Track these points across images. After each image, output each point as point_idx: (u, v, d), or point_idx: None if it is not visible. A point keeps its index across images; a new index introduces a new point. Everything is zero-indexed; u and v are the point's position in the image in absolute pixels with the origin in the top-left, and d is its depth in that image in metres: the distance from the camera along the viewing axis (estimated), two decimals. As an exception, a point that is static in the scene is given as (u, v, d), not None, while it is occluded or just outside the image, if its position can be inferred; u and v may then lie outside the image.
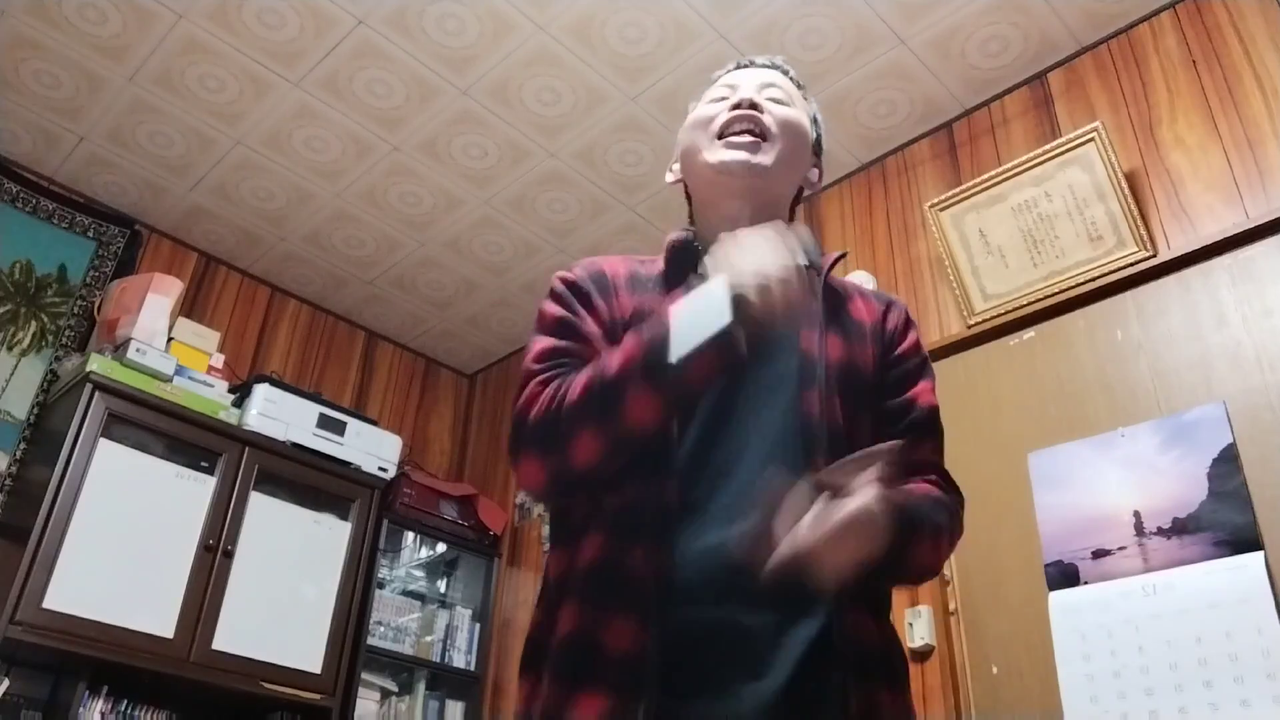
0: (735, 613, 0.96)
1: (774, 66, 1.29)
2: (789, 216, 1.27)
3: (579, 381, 1.01)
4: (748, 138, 1.19)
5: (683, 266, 1.19)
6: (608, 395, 0.98)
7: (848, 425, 1.08)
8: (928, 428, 1.17)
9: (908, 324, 1.23)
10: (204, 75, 2.95)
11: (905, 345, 1.20)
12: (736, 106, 1.20)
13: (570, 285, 1.18)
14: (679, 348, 0.95)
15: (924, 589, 2.35)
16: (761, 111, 1.20)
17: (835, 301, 1.18)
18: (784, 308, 0.96)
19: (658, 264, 1.21)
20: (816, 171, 1.30)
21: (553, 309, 1.16)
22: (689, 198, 1.29)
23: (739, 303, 0.94)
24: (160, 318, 3.08)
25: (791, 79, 1.29)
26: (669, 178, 1.31)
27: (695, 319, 0.96)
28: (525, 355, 1.13)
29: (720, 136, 1.19)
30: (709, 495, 1.02)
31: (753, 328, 0.95)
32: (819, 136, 1.31)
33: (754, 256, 0.97)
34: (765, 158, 1.18)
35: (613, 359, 1.01)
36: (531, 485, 1.07)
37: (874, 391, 1.14)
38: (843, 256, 1.28)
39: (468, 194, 3.36)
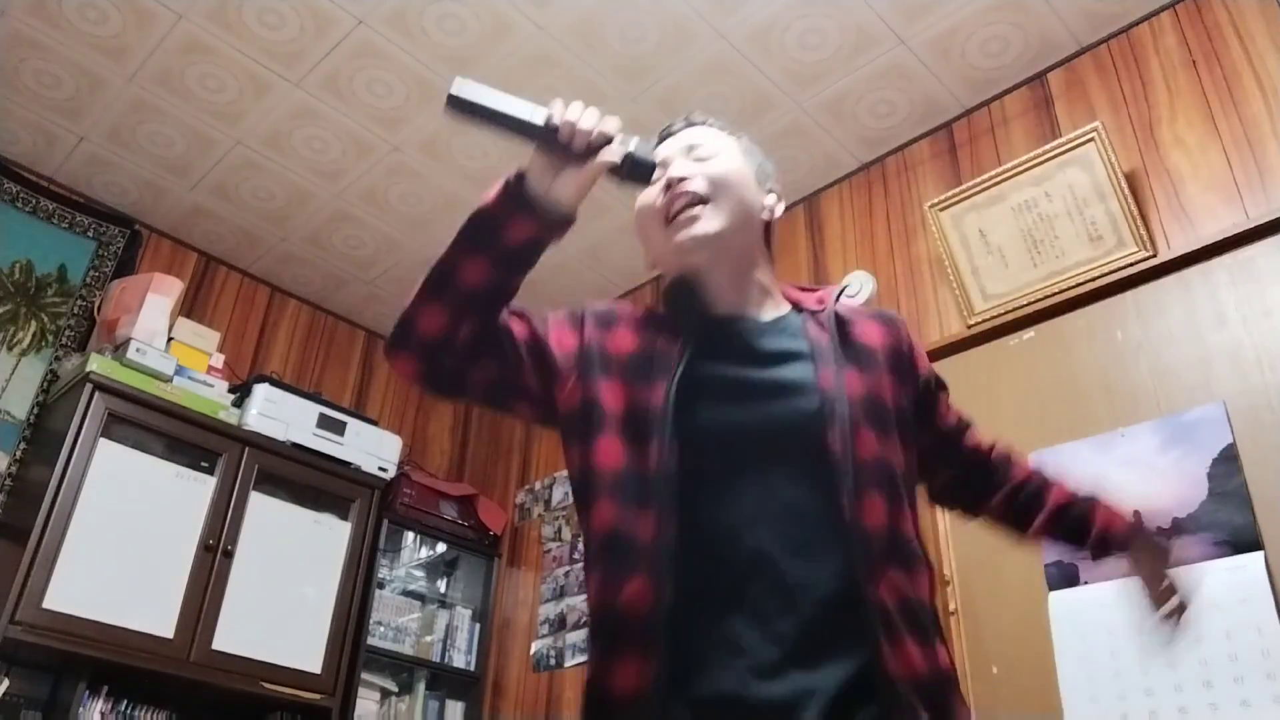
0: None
1: (692, 124, 1.30)
2: (767, 249, 1.29)
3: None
4: (689, 210, 1.19)
5: (686, 306, 1.21)
6: (442, 265, 1.09)
7: (881, 453, 1.08)
8: (972, 427, 1.37)
9: (914, 342, 1.27)
10: (204, 75, 2.95)
11: (923, 368, 1.27)
12: (667, 187, 1.20)
13: (573, 310, 1.23)
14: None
15: (924, 589, 2.35)
16: (688, 178, 1.21)
17: (844, 331, 1.18)
18: (581, 137, 1.06)
19: None
20: (773, 197, 1.30)
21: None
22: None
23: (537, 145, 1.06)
24: (160, 318, 3.08)
25: (714, 126, 1.30)
26: (651, 270, 1.37)
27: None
28: None
29: (669, 221, 1.20)
30: (715, 574, 1.01)
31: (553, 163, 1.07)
32: (762, 165, 1.31)
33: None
34: (712, 223, 1.18)
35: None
36: (403, 373, 1.14)
37: (900, 417, 1.15)
38: (843, 289, 1.29)
39: (468, 194, 3.36)
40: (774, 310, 1.23)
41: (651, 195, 1.22)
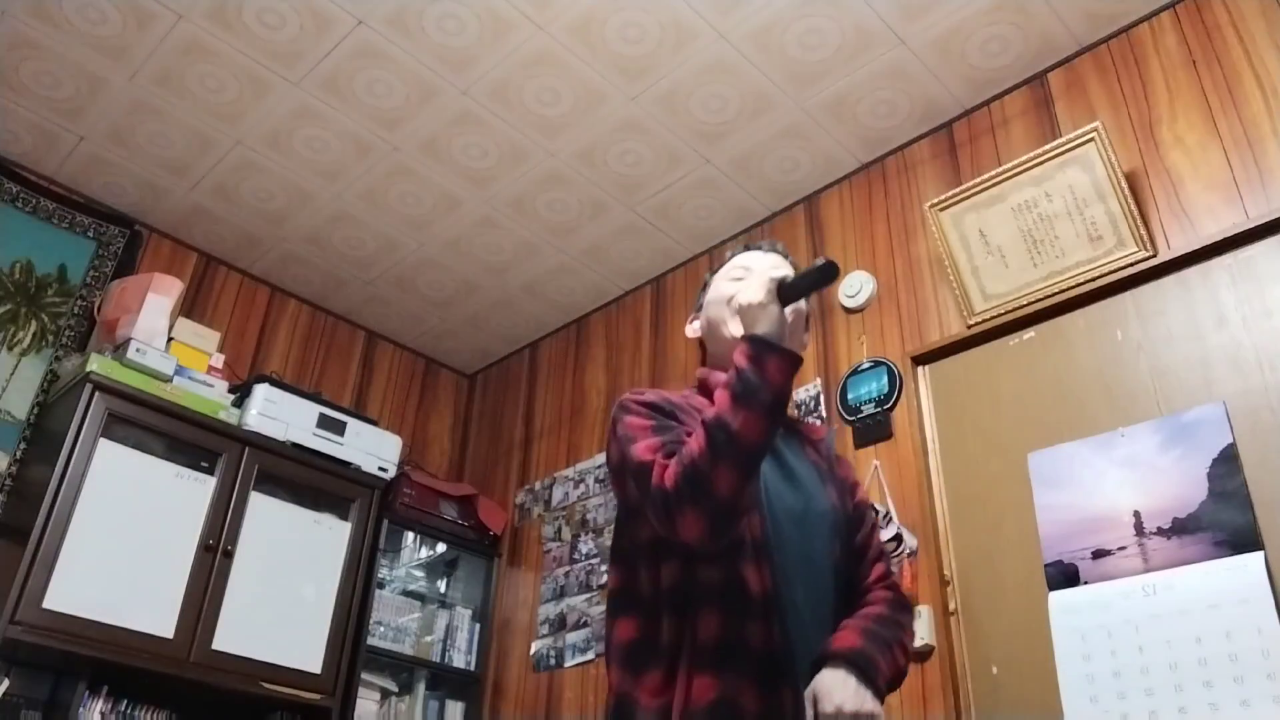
0: None
1: (775, 251, 1.56)
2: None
3: (695, 437, 1.22)
4: None
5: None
6: (719, 435, 1.20)
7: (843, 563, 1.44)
8: (885, 555, 1.52)
9: (847, 464, 1.61)
10: (204, 75, 2.95)
11: (857, 485, 1.55)
12: None
13: (647, 404, 1.37)
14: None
15: (924, 589, 2.35)
16: None
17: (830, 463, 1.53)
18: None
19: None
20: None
21: (639, 417, 1.35)
22: (703, 349, 1.56)
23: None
24: (160, 318, 3.08)
25: (790, 262, 1.55)
26: (690, 333, 1.58)
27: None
28: (630, 456, 1.29)
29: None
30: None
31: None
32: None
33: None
34: None
35: (708, 413, 1.24)
36: (697, 534, 1.21)
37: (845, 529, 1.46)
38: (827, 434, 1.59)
39: (468, 194, 3.36)
40: None
41: (731, 287, 1.49)
